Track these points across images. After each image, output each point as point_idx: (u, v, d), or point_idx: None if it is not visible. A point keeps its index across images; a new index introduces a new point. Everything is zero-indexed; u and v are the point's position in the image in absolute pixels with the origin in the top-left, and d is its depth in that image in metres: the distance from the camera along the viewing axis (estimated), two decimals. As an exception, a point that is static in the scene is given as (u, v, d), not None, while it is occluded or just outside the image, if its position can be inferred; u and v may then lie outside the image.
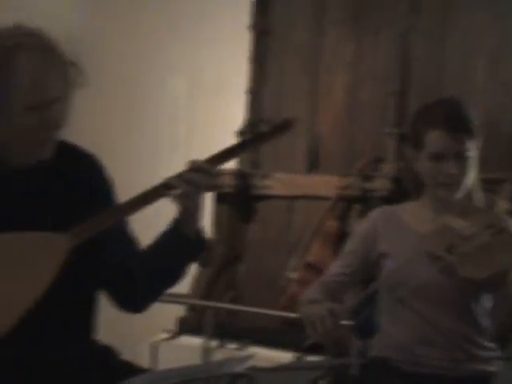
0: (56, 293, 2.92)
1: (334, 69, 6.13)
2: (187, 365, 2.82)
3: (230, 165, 6.22)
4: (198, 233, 3.15)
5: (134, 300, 3.25)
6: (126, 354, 3.32)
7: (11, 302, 2.91)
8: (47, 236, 3.02)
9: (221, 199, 6.19)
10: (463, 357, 3.65)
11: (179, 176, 3.01)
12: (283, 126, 3.18)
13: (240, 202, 6.24)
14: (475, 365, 3.65)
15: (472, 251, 3.57)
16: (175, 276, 3.21)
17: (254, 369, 2.77)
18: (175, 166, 6.76)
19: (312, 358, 5.08)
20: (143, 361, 5.38)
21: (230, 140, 6.27)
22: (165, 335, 5.90)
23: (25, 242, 3.02)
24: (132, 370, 3.08)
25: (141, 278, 3.18)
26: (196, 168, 3.03)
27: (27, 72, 2.96)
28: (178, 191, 3.02)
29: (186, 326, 6.04)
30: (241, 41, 6.46)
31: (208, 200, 6.09)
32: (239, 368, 2.74)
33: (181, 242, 3.13)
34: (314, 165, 6.08)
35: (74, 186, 3.20)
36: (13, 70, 2.96)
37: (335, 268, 3.95)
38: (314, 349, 5.18)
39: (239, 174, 6.20)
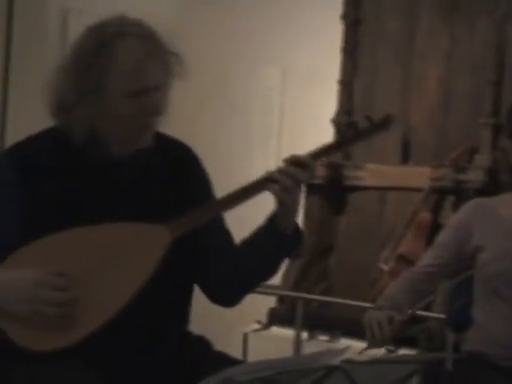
0: (155, 284, 2.95)
1: (427, 58, 6.07)
2: (281, 357, 2.83)
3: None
4: (295, 229, 3.11)
5: (228, 294, 3.25)
6: (218, 344, 3.31)
7: (116, 290, 2.94)
8: (149, 228, 3.03)
9: (312, 190, 6.12)
10: None
11: (281, 170, 2.98)
12: (384, 124, 3.14)
13: (331, 193, 6.22)
14: None
15: None
16: (270, 271, 3.20)
17: (349, 361, 2.73)
18: (267, 157, 6.83)
19: (405, 352, 5.05)
20: (234, 351, 5.40)
21: (323, 131, 6.31)
22: (256, 326, 5.90)
23: (127, 233, 3.05)
24: (226, 360, 3.09)
25: (236, 272, 3.18)
26: (297, 162, 2.98)
27: (129, 59, 2.99)
28: (278, 185, 2.97)
29: (277, 317, 6.03)
30: (333, 31, 6.42)
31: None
32: (335, 360, 2.68)
33: (277, 238, 3.10)
34: (406, 156, 6.02)
35: (173, 177, 3.22)
36: (115, 57, 2.98)
37: (426, 259, 3.94)
38: (407, 342, 5.15)
39: (331, 165, 6.16)
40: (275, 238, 3.08)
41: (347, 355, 2.83)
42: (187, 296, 3.24)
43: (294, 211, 3.06)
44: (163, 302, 3.07)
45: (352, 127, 3.09)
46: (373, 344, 3.62)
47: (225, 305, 3.26)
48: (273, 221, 3.05)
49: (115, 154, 3.09)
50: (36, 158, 3.08)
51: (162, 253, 2.98)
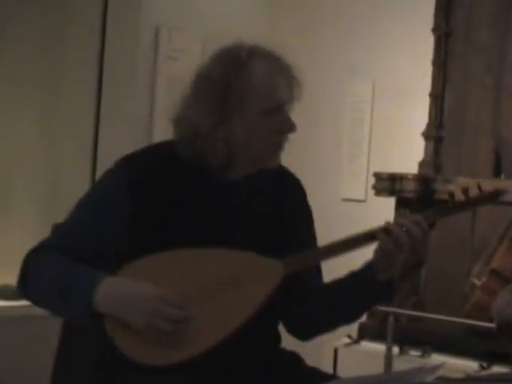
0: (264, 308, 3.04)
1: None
2: (373, 373, 2.88)
3: (412, 169, 6.25)
4: (390, 280, 3.12)
5: (309, 331, 3.34)
6: (309, 359, 3.35)
7: (228, 315, 3.01)
8: (265, 260, 3.08)
9: (402, 204, 6.12)
10: None
11: (398, 223, 3.03)
12: (493, 196, 3.16)
13: (422, 207, 6.10)
14: None
15: None
16: (353, 317, 3.30)
17: (444, 378, 2.71)
18: (356, 170, 6.80)
19: (498, 369, 4.98)
20: (325, 366, 5.39)
21: (413, 145, 6.25)
22: (346, 340, 5.88)
23: (244, 262, 3.11)
24: (318, 375, 3.16)
25: (324, 313, 3.26)
26: (414, 221, 3.01)
27: (264, 77, 3.13)
28: (392, 236, 3.00)
29: (367, 332, 6.02)
30: (424, 44, 6.43)
31: (391, 204, 6.06)
32: (429, 378, 2.71)
33: (373, 287, 3.14)
34: (498, 169, 5.96)
35: (281, 207, 3.27)
36: (249, 77, 3.10)
37: None
38: (500, 358, 5.07)
39: (421, 179, 6.13)
40: (369, 285, 3.12)
41: (441, 372, 2.80)
42: (278, 317, 3.28)
43: (396, 267, 3.07)
44: (262, 324, 3.10)
45: (464, 194, 3.10)
46: None
47: (299, 338, 3.34)
48: (371, 269, 3.08)
49: (230, 176, 3.15)
50: (149, 175, 3.16)
51: (274, 286, 3.05)
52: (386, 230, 3.00)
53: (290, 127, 3.15)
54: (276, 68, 3.13)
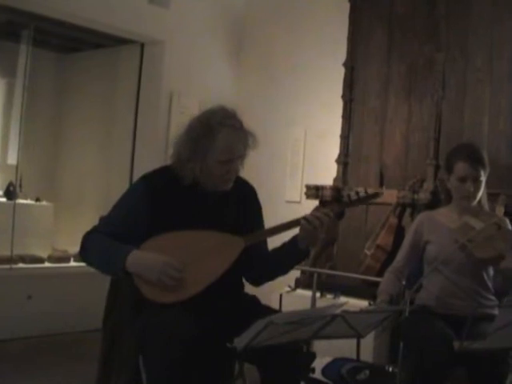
0: (232, 267, 3.11)
1: (394, 122, 6.04)
2: (304, 309, 2.98)
3: (329, 181, 6.27)
4: (306, 248, 3.22)
5: (259, 280, 3.38)
6: (263, 300, 3.39)
7: (208, 272, 3.08)
8: (232, 237, 3.15)
9: (323, 204, 6.10)
10: (476, 305, 3.64)
11: (314, 214, 3.10)
12: (375, 195, 3.25)
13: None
14: (484, 310, 3.65)
15: (482, 240, 3.55)
16: (287, 269, 3.34)
17: (346, 312, 2.81)
18: (295, 183, 6.81)
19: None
20: (274, 305, 5.39)
21: (330, 167, 6.32)
22: (287, 289, 5.91)
23: (218, 238, 3.15)
24: (270, 310, 3.17)
25: (268, 269, 3.32)
26: (323, 212, 3.11)
27: (225, 142, 3.10)
28: (309, 223, 3.10)
29: (301, 283, 6.05)
30: (337, 104, 6.37)
31: (315, 204, 6.10)
32: (338, 310, 2.79)
33: (296, 252, 3.23)
34: (382, 183, 6.02)
35: (241, 205, 3.31)
36: (214, 140, 3.09)
37: (398, 256, 3.95)
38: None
39: (334, 188, 6.15)
40: (295, 252, 3.22)
41: (345, 307, 2.93)
42: (242, 272, 3.33)
43: (315, 242, 3.21)
44: (232, 279, 3.20)
45: (356, 194, 3.20)
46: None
47: (254, 285, 3.39)
48: (295, 241, 3.18)
49: (209, 190, 3.21)
50: (158, 187, 3.18)
51: (237, 253, 3.12)
52: (305, 218, 3.10)
53: (235, 172, 3.18)
54: (237, 136, 3.13)
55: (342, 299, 5.52)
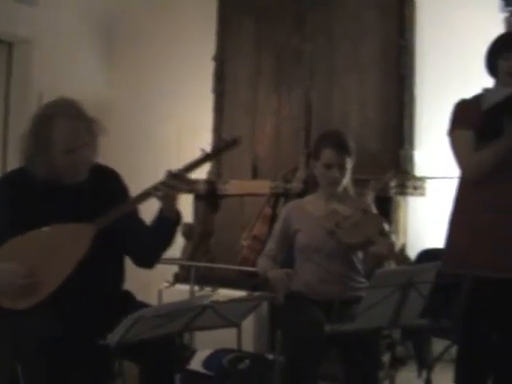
0: (97, 258, 3.03)
1: (265, 114, 6.13)
2: (173, 301, 2.89)
3: (202, 175, 6.28)
4: (177, 213, 3.20)
5: (146, 259, 3.32)
6: (142, 297, 3.37)
7: (58, 269, 3.02)
8: (79, 226, 3.08)
9: (197, 198, 6.18)
10: (346, 288, 3.71)
11: (163, 182, 3.07)
12: (233, 143, 3.21)
13: (210, 199, 6.23)
14: (353, 292, 3.70)
15: (350, 226, 3.63)
16: (168, 241, 3.26)
17: (216, 302, 2.83)
18: None
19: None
20: (153, 301, 5.41)
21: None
22: (166, 284, 5.91)
23: (66, 230, 3.09)
24: (143, 305, 3.12)
25: (148, 244, 3.24)
26: (174, 176, 3.07)
27: (62, 130, 3.05)
28: (162, 193, 3.08)
29: (179, 278, 6.05)
30: (209, 99, 6.44)
31: (190, 199, 6.16)
32: (206, 301, 2.79)
33: (167, 222, 3.19)
34: (255, 173, 6.10)
35: (103, 191, 3.25)
36: (53, 130, 3.04)
37: (270, 244, 3.98)
38: (259, 289, 5.24)
39: (208, 182, 6.19)
40: (165, 222, 3.18)
41: (216, 298, 2.95)
42: (119, 266, 3.30)
43: (174, 205, 3.16)
44: (103, 271, 3.14)
45: (212, 147, 3.21)
46: (282, 293, 3.67)
47: (147, 267, 3.33)
48: (162, 212, 3.16)
49: (65, 183, 3.14)
50: (17, 185, 3.12)
51: (89, 239, 3.05)
52: (155, 187, 3.06)
53: (85, 161, 3.13)
54: (72, 124, 3.06)
55: (221, 291, 5.55)
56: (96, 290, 3.12)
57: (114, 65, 7.55)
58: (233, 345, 4.66)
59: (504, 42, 3.58)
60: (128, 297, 3.31)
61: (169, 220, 3.19)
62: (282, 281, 3.57)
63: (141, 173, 6.79)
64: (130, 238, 3.23)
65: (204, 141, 6.40)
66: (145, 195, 3.11)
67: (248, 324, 5.04)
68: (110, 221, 3.10)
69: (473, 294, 3.28)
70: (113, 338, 2.69)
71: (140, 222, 3.31)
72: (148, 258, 3.31)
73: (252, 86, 6.20)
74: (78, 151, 3.08)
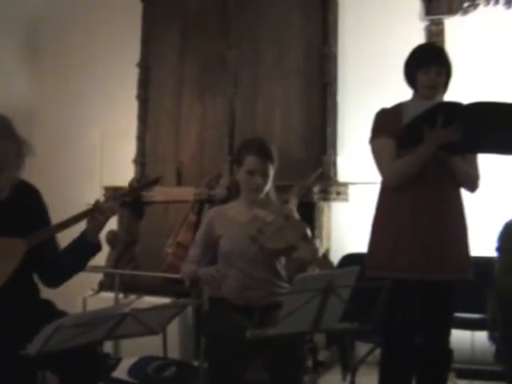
0: (19, 272, 3.00)
1: (189, 121, 6.14)
2: (93, 309, 2.88)
3: (126, 183, 6.21)
4: (98, 240, 3.19)
5: (57, 280, 3.27)
6: (65, 307, 3.30)
7: None
8: (13, 241, 3.05)
9: (122, 205, 5.98)
10: (269, 293, 3.72)
11: (95, 208, 3.07)
12: (155, 181, 3.36)
13: (134, 206, 6.21)
14: (276, 297, 3.70)
15: (272, 232, 3.62)
16: (83, 264, 3.24)
17: (136, 309, 2.81)
18: (93, 188, 6.75)
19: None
20: (78, 309, 5.38)
21: (130, 169, 6.36)
22: (91, 292, 5.88)
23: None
24: (64, 314, 3.08)
25: (63, 267, 3.22)
26: (103, 206, 3.08)
27: None
28: (94, 216, 3.07)
29: (104, 286, 6.03)
30: (133, 105, 6.46)
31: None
32: (126, 309, 2.77)
33: (88, 245, 3.17)
34: (179, 180, 6.09)
35: (24, 208, 3.19)
36: None
37: (193, 251, 3.95)
38: (184, 295, 5.21)
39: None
40: (88, 246, 3.16)
41: (139, 305, 2.93)
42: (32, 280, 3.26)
43: (99, 232, 3.15)
44: (21, 284, 3.10)
45: (139, 182, 3.24)
46: (214, 288, 3.66)
47: (52, 286, 3.28)
48: (85, 236, 3.13)
49: None
50: None
51: (20, 256, 3.02)
52: (88, 211, 3.06)
53: (6, 180, 3.05)
54: (2, 143, 2.98)
55: (146, 298, 5.53)
56: (12, 301, 3.07)
57: (38, 70, 7.48)
58: (159, 352, 4.66)
59: (422, 54, 3.66)
60: (48, 306, 3.25)
61: (91, 244, 3.17)
62: (214, 277, 3.56)
63: (65, 179, 6.81)
64: (43, 256, 3.18)
65: (128, 148, 6.44)
66: (77, 218, 3.08)
67: (173, 331, 5.04)
68: (40, 240, 3.07)
69: (395, 297, 3.31)
70: (32, 348, 2.65)
71: (55, 241, 3.28)
72: (57, 279, 3.27)
73: (176, 93, 6.23)
74: (3, 171, 3.03)
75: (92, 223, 3.12)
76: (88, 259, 3.23)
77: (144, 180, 6.23)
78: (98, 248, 3.22)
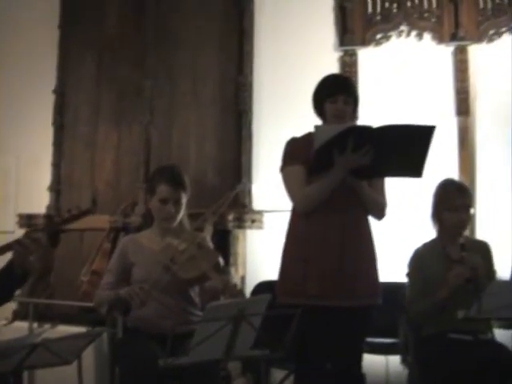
0: None
1: (105, 148, 6.12)
2: (2, 340, 2.85)
3: (41, 210, 6.20)
4: (25, 272, 3.19)
5: None
6: None
7: None
8: None
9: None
10: (183, 322, 3.68)
11: (19, 242, 3.10)
12: (83, 214, 3.40)
13: (50, 234, 6.11)
14: (189, 326, 3.51)
15: (185, 261, 3.64)
16: (10, 296, 3.29)
17: (47, 339, 2.80)
18: (7, 215, 6.63)
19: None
20: None
21: (45, 196, 6.31)
22: (4, 322, 5.77)
23: None
24: None
25: None
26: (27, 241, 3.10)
27: None
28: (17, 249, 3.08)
29: (18, 315, 5.92)
30: (49, 132, 6.39)
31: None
32: (37, 339, 2.76)
33: (15, 277, 3.18)
34: (94, 207, 6.04)
35: None
36: None
37: (107, 278, 3.91)
38: (100, 324, 5.17)
39: (47, 216, 6.10)
40: (14, 277, 3.17)
41: (50, 335, 2.91)
42: None
43: (25, 262, 3.15)
44: None
45: (68, 212, 3.24)
46: (137, 307, 3.60)
47: None
48: (11, 267, 3.14)
49: None
50: None
51: None
52: (16, 242, 3.09)
53: None
54: None
55: (61, 327, 5.42)
56: None
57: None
58: (74, 382, 4.60)
59: (329, 84, 3.75)
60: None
61: (17, 275, 3.17)
62: (137, 294, 3.54)
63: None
64: None
65: (43, 175, 6.37)
66: (4, 249, 3.09)
67: (89, 360, 4.99)
68: None
69: (306, 323, 3.34)
70: None
71: None
72: None
73: (92, 120, 6.20)
74: None
75: (16, 255, 3.12)
76: (12, 291, 3.27)
77: (60, 210, 6.20)
78: (23, 279, 3.23)
